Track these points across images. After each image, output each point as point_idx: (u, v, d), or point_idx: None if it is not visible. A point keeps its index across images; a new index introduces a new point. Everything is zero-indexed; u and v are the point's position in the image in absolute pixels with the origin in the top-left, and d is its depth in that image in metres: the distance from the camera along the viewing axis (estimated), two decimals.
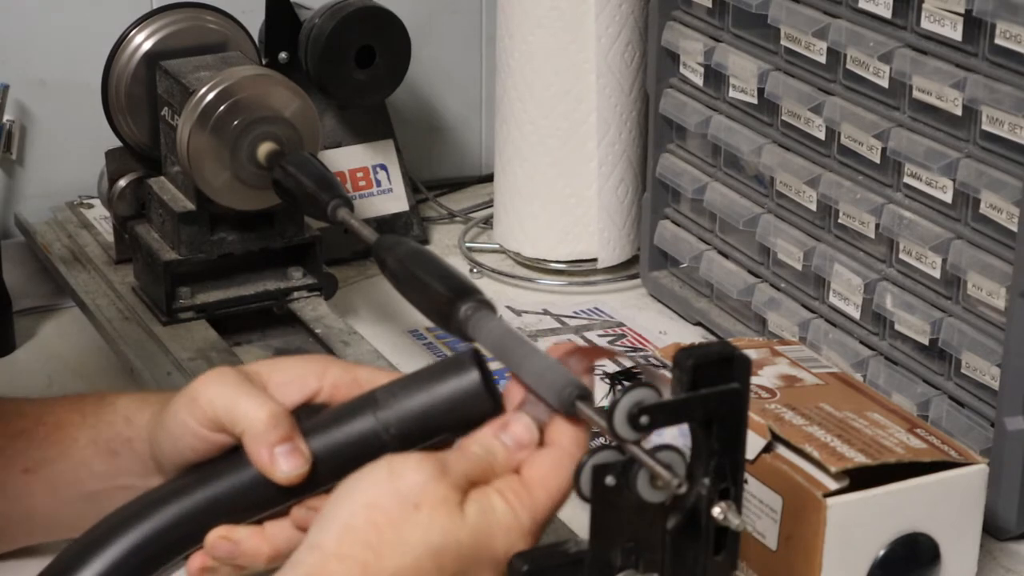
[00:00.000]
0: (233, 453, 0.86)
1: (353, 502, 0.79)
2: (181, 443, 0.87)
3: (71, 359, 1.39)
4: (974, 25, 1.09)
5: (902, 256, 1.19)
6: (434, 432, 0.85)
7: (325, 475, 0.85)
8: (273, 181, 1.28)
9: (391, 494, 0.78)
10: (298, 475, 0.85)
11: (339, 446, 0.86)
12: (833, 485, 0.96)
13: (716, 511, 0.80)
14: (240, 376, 0.88)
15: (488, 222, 1.63)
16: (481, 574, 0.80)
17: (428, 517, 0.78)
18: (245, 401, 0.86)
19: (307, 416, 0.87)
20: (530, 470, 0.81)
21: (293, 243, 1.37)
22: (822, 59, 1.23)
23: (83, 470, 0.94)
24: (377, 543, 0.78)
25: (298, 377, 0.89)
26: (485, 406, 0.85)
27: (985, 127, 1.09)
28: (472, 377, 0.85)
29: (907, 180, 1.17)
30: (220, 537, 0.85)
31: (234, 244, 1.35)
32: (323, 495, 0.85)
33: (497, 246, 1.58)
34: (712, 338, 1.41)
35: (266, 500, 0.86)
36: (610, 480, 0.78)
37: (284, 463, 0.85)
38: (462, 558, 0.79)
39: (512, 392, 0.85)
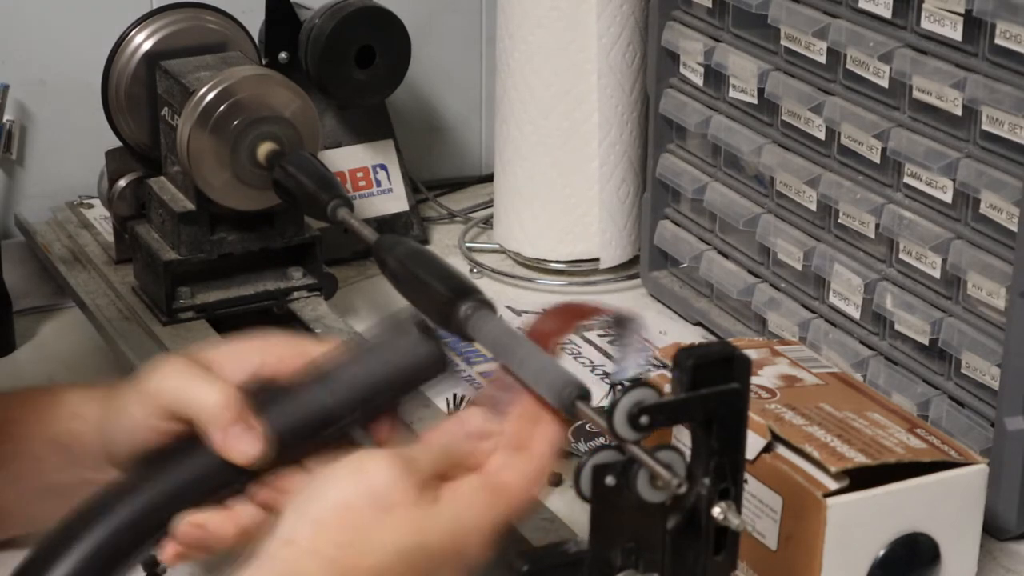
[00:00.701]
0: (189, 440, 0.87)
1: (326, 499, 0.80)
2: (137, 436, 0.88)
3: (71, 359, 1.39)
4: (974, 25, 1.09)
5: (902, 256, 1.19)
6: (382, 394, 0.87)
7: (281, 450, 0.87)
8: (273, 181, 1.28)
9: (363, 495, 0.79)
10: (255, 454, 0.86)
11: (291, 419, 0.87)
12: (833, 485, 0.96)
13: (716, 511, 0.80)
14: (188, 362, 0.89)
15: (488, 222, 1.63)
16: (446, 569, 0.81)
17: (398, 520, 0.79)
18: (196, 386, 0.87)
19: (257, 393, 0.88)
20: (511, 476, 0.82)
21: (293, 243, 1.37)
22: (822, 59, 1.23)
23: (40, 465, 0.95)
24: (349, 543, 0.79)
25: (244, 355, 0.90)
26: (429, 365, 0.87)
27: (985, 127, 1.09)
28: (414, 336, 0.86)
29: (907, 180, 1.17)
30: (188, 524, 0.86)
31: (234, 244, 1.35)
32: (282, 470, 0.87)
33: (497, 246, 1.58)
34: (712, 338, 1.40)
35: (226, 482, 0.87)
36: (610, 480, 0.78)
37: (241, 443, 0.86)
38: (432, 557, 0.80)
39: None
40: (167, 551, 0.87)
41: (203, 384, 0.87)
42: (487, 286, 1.49)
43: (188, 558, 0.88)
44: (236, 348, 0.91)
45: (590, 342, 1.42)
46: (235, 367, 0.89)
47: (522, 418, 0.84)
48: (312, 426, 0.87)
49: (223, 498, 0.87)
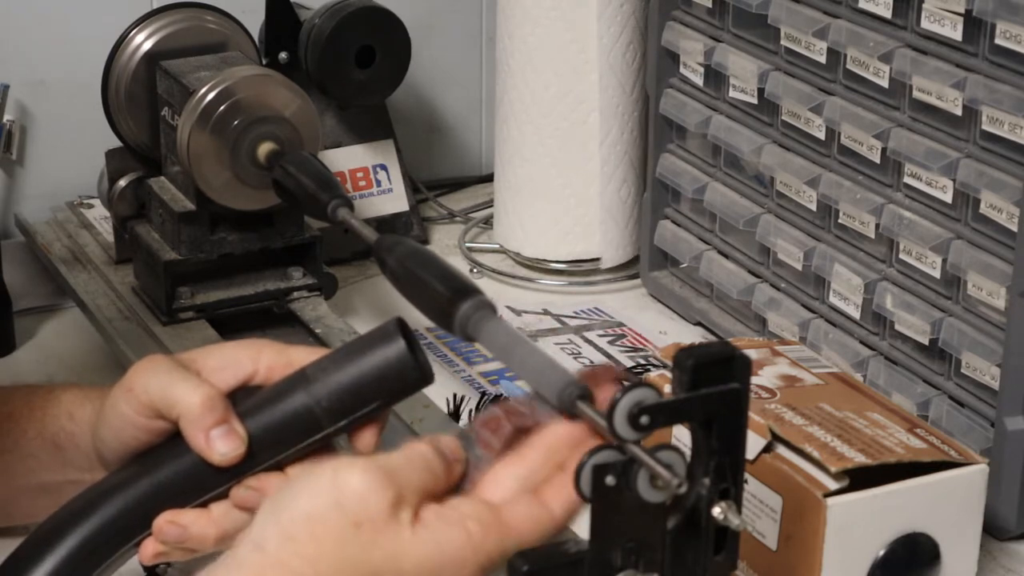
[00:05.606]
0: (173, 439, 0.88)
1: (296, 509, 0.77)
2: (123, 434, 0.88)
3: (71, 359, 1.39)
4: (974, 25, 1.09)
5: (902, 256, 1.19)
6: (365, 403, 0.87)
7: (262, 454, 0.87)
8: (273, 181, 1.28)
9: (333, 508, 0.76)
10: (235, 456, 0.86)
11: (274, 424, 0.87)
12: (833, 485, 0.96)
13: (716, 511, 0.80)
14: (173, 363, 0.89)
15: (488, 222, 1.63)
16: None
17: (369, 538, 0.76)
18: (179, 387, 0.87)
19: (240, 396, 0.89)
20: (514, 513, 0.79)
21: (293, 243, 1.37)
22: (822, 59, 1.23)
23: (32, 461, 0.95)
24: (316, 558, 0.75)
25: (233, 361, 0.90)
26: (413, 374, 0.87)
27: (985, 127, 1.09)
28: (398, 346, 0.86)
29: (907, 180, 1.17)
30: (167, 522, 0.87)
31: (234, 244, 1.35)
32: (262, 473, 0.87)
33: (497, 246, 1.58)
34: (712, 338, 1.41)
35: (207, 482, 0.87)
36: (610, 480, 0.78)
37: (221, 445, 0.86)
38: None
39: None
40: (146, 549, 0.87)
41: (187, 384, 0.87)
42: (487, 286, 1.49)
43: (168, 557, 0.88)
44: (227, 355, 0.91)
45: (590, 342, 1.42)
46: (225, 374, 0.89)
47: (547, 459, 0.81)
48: (293, 431, 0.87)
49: (207, 500, 0.88)
